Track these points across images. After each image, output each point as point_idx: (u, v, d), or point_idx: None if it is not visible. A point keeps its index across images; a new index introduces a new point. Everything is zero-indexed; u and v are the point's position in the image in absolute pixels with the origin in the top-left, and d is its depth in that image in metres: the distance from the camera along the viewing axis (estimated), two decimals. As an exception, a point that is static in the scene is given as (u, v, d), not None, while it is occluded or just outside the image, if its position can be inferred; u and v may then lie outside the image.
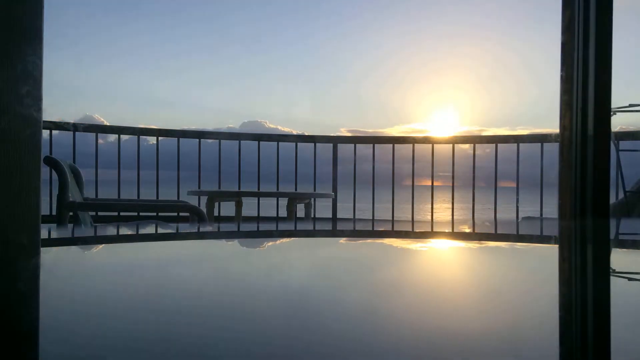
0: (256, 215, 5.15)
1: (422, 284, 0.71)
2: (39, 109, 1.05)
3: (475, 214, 5.10)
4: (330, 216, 5.27)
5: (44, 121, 1.22)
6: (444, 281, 0.72)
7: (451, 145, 5.23)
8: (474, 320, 0.50)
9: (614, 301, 0.61)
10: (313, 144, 5.38)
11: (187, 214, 3.87)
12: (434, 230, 1.58)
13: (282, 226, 2.36)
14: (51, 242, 1.12)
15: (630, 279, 0.76)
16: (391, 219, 5.35)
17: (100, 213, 4.48)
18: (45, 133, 4.54)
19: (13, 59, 1.04)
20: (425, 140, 5.33)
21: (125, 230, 1.88)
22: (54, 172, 3.35)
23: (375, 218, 5.23)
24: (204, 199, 4.48)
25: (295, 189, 5.30)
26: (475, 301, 0.59)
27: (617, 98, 2.84)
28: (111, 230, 1.92)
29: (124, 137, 5.10)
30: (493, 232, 1.52)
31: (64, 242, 1.17)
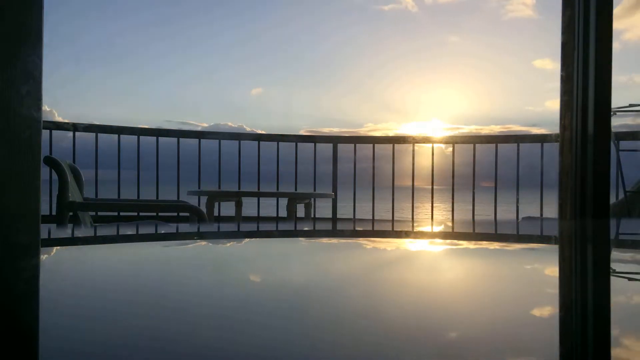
0: (256, 215, 5.15)
1: (422, 284, 0.71)
2: (39, 109, 1.05)
3: (468, 214, 5.10)
4: (330, 216, 5.27)
5: (44, 121, 1.22)
6: (443, 282, 0.72)
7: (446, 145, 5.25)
8: (474, 320, 0.50)
9: (614, 301, 0.61)
10: (313, 143, 5.38)
11: (187, 214, 3.87)
12: (434, 230, 1.58)
13: (282, 226, 2.36)
14: (51, 242, 1.12)
15: (630, 279, 0.76)
16: (391, 219, 5.35)
17: (100, 213, 4.48)
18: (46, 133, 4.53)
19: (13, 59, 1.04)
20: (426, 140, 5.33)
21: (125, 230, 1.88)
22: (54, 172, 3.35)
23: (375, 218, 5.23)
24: (204, 199, 4.47)
25: (295, 189, 5.29)
26: (474, 301, 0.59)
27: (617, 98, 2.84)
28: (111, 230, 1.92)
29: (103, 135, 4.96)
30: (493, 232, 1.52)
31: (64, 242, 1.17)
